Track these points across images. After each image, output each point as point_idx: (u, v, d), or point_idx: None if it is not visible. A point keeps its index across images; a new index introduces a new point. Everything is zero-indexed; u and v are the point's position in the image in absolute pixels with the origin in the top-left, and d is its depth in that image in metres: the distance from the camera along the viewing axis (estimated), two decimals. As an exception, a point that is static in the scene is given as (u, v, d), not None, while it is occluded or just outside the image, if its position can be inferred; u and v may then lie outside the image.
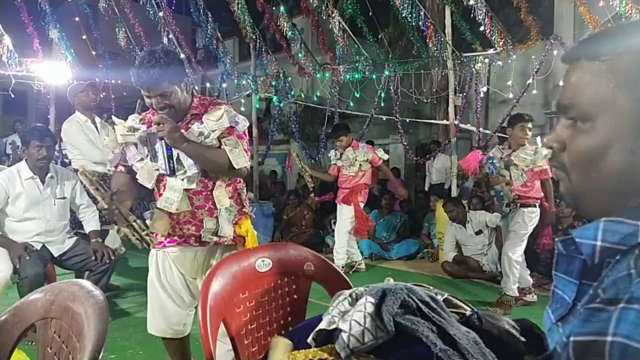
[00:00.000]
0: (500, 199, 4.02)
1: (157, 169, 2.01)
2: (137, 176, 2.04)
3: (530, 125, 3.94)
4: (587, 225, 0.66)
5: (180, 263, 2.12)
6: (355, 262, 5.52)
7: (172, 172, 1.97)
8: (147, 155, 2.04)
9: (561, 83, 0.74)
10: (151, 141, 2.01)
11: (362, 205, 5.37)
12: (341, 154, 5.27)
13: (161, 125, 1.89)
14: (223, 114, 1.98)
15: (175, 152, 1.96)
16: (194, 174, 2.01)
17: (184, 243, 2.10)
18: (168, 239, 2.11)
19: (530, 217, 3.93)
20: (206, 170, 2.02)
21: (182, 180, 2.00)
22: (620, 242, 0.62)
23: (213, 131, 1.97)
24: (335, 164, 5.32)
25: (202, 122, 1.99)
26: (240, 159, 1.98)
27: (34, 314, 1.23)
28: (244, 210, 2.19)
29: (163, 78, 1.89)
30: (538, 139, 4.03)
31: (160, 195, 2.02)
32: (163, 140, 1.93)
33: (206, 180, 2.05)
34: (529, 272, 4.23)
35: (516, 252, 3.94)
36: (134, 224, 1.88)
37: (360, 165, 5.18)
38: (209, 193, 2.05)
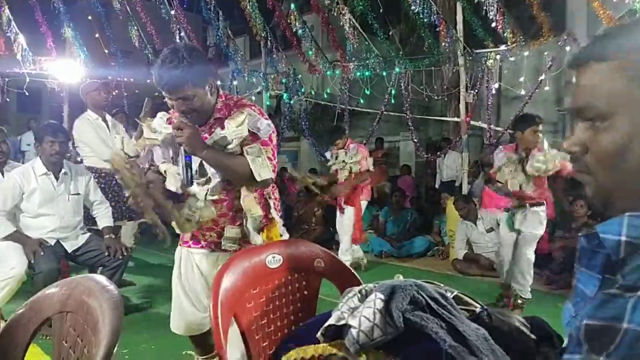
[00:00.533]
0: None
1: (179, 174, 1.94)
2: (167, 180, 1.97)
3: (541, 127, 3.73)
4: (611, 220, 0.66)
5: (203, 265, 2.09)
6: (358, 258, 5.48)
7: (189, 182, 1.89)
8: (171, 158, 1.98)
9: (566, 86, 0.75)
10: (174, 144, 1.92)
11: (365, 203, 5.33)
12: (336, 157, 5.24)
13: (180, 130, 1.78)
14: (244, 119, 1.84)
15: (196, 159, 1.88)
16: (217, 184, 1.93)
17: (207, 247, 2.06)
18: (193, 241, 2.08)
19: (544, 216, 3.87)
20: (228, 179, 1.93)
21: (206, 189, 1.92)
22: None
23: (234, 138, 1.85)
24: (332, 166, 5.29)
25: (224, 128, 1.88)
26: (264, 170, 1.84)
27: (50, 307, 1.25)
28: (270, 216, 2.06)
29: (185, 80, 1.78)
30: (545, 142, 3.87)
31: (186, 200, 1.93)
32: (182, 147, 1.83)
33: (229, 188, 1.96)
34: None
35: (533, 254, 3.89)
36: (174, 211, 1.83)
37: (350, 168, 5.12)
38: (231, 201, 1.97)
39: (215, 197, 1.94)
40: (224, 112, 1.93)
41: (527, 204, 3.84)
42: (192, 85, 1.81)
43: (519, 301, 3.92)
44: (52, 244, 3.29)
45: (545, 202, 3.89)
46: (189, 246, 2.09)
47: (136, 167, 1.86)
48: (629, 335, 0.54)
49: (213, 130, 1.90)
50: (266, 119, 1.93)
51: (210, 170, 1.92)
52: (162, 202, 1.81)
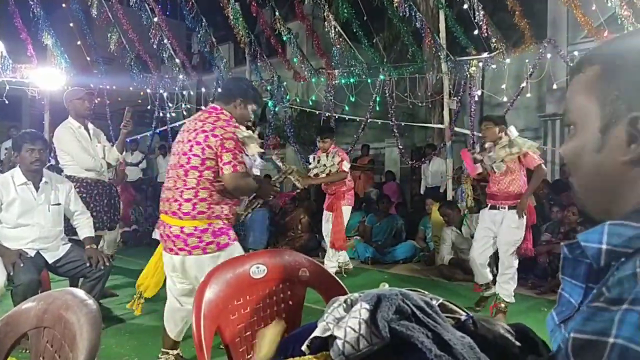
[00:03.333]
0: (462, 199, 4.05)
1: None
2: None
3: (488, 124, 4.02)
4: (593, 228, 0.67)
5: None
6: (342, 263, 5.45)
7: None
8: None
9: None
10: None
11: (349, 209, 5.28)
12: (318, 160, 5.20)
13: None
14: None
15: None
16: None
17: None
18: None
19: (522, 220, 3.86)
20: None
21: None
22: (626, 245, 0.63)
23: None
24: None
25: None
26: None
27: (27, 323, 1.21)
28: None
29: None
30: (512, 128, 3.99)
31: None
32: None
33: None
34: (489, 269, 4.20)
35: (515, 257, 3.89)
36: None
37: (330, 171, 5.09)
38: None
39: None
40: None
41: (507, 207, 3.87)
42: None
43: (502, 305, 3.92)
44: (32, 255, 3.22)
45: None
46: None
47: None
48: (617, 350, 0.53)
49: None
50: None
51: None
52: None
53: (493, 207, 3.98)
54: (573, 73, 0.76)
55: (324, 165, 5.11)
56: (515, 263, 3.89)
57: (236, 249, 2.49)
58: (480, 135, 6.65)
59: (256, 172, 2.75)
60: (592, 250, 0.66)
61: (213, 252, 2.44)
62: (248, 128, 2.79)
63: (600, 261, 0.65)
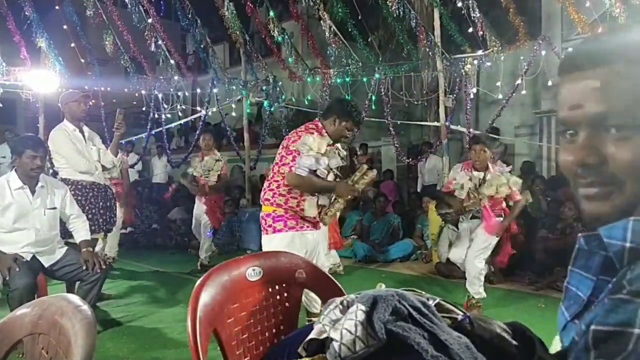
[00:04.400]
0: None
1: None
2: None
3: (478, 147, 3.93)
4: (615, 224, 0.64)
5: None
6: (333, 264, 5.45)
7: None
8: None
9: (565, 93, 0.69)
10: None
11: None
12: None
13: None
14: None
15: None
16: None
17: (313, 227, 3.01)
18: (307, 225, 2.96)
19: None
20: None
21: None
22: None
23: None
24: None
25: None
26: None
27: (21, 329, 1.20)
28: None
29: None
30: (504, 167, 4.01)
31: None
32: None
33: None
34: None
35: (482, 262, 3.98)
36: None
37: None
38: None
39: None
40: None
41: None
42: None
43: (473, 301, 3.99)
44: (28, 259, 3.20)
45: (500, 214, 3.98)
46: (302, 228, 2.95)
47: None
48: None
49: None
50: None
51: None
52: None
53: (474, 217, 4.11)
54: (613, 60, 0.64)
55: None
56: (480, 266, 3.97)
57: (294, 238, 2.88)
58: (476, 132, 6.67)
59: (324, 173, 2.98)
60: (615, 247, 0.63)
61: (269, 234, 2.92)
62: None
63: (624, 259, 0.62)
